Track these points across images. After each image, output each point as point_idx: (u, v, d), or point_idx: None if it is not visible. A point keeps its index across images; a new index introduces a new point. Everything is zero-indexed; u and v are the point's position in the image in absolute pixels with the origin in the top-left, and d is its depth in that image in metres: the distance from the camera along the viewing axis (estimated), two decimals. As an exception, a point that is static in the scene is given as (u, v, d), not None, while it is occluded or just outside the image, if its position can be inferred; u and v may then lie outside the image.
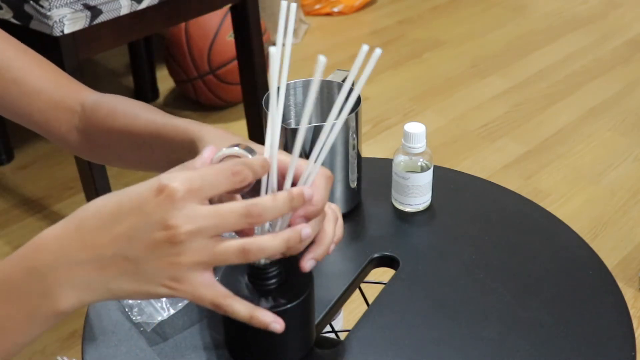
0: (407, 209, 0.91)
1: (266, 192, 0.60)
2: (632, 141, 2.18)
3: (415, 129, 0.86)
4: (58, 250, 0.54)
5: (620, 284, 1.52)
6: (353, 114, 0.85)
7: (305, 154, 0.85)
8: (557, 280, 0.79)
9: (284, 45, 0.59)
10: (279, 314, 0.64)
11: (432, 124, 2.26)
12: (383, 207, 0.92)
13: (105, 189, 1.65)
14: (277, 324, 0.59)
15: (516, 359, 0.70)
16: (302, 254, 0.63)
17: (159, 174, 0.55)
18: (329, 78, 0.91)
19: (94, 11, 1.49)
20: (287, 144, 0.85)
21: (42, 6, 1.43)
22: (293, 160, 0.59)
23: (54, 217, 1.90)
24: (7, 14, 1.51)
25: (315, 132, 0.83)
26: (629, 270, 1.69)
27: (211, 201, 0.56)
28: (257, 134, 1.98)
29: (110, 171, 1.76)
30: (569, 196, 1.95)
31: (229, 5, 1.83)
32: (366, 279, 0.84)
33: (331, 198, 0.88)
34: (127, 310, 0.76)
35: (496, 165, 2.08)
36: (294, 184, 0.60)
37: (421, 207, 0.90)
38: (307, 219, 0.61)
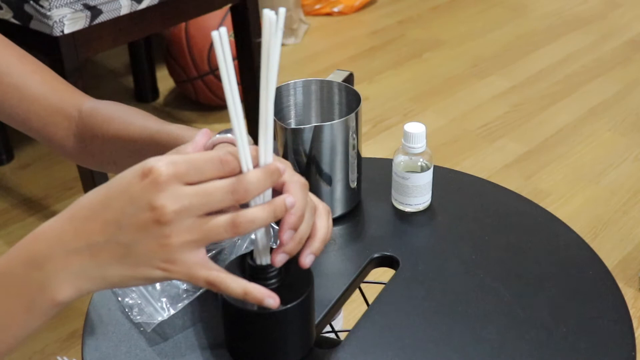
0: (407, 209, 0.91)
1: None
2: (632, 141, 2.18)
3: (415, 129, 0.86)
4: (53, 239, 0.55)
5: (620, 284, 1.52)
6: (353, 114, 0.85)
7: (305, 154, 0.85)
8: (557, 280, 0.79)
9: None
10: (279, 313, 0.64)
11: (432, 124, 2.26)
12: (383, 207, 0.92)
13: (105, 189, 1.64)
14: (271, 298, 0.59)
15: (516, 359, 0.70)
16: (300, 253, 0.63)
17: None
18: (329, 78, 0.91)
19: (94, 11, 1.49)
20: (287, 144, 0.85)
21: (42, 6, 1.43)
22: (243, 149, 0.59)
23: (54, 217, 1.90)
24: (7, 14, 1.51)
25: (315, 132, 0.83)
26: (629, 270, 1.69)
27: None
28: (257, 134, 1.98)
29: (110, 171, 1.76)
30: (569, 196, 1.95)
31: (229, 5, 1.83)
32: (366, 279, 0.84)
33: (331, 198, 0.88)
34: (127, 310, 0.76)
35: (496, 165, 2.08)
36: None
37: (421, 207, 0.90)
38: (294, 229, 0.61)
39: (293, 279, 0.66)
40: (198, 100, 2.34)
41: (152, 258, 0.54)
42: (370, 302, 0.79)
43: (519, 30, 2.93)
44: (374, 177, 0.96)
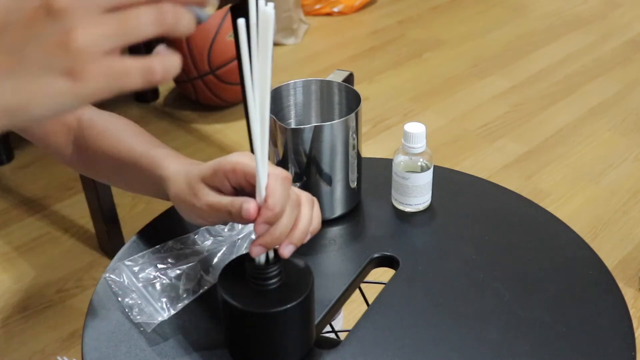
0: (407, 209, 0.91)
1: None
2: (632, 141, 2.18)
3: (415, 129, 0.86)
4: None
5: (620, 284, 1.52)
6: (353, 114, 0.85)
7: (305, 154, 0.85)
8: (557, 280, 0.79)
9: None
10: (279, 313, 0.64)
11: (432, 124, 2.25)
12: (383, 207, 0.92)
13: (105, 188, 1.65)
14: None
15: (516, 359, 0.70)
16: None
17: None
18: (329, 78, 0.91)
19: (94, 11, 1.49)
20: (287, 144, 0.85)
21: (42, 6, 1.43)
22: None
23: (54, 217, 1.90)
24: (7, 14, 1.51)
25: (315, 132, 0.83)
26: (629, 270, 1.69)
27: None
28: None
29: (110, 171, 1.76)
30: (569, 196, 1.95)
31: (229, 5, 1.83)
32: (366, 279, 0.84)
33: (331, 198, 0.88)
34: (127, 310, 0.76)
35: (496, 165, 2.08)
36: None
37: (421, 207, 0.90)
38: (269, 224, 0.61)
39: (293, 279, 0.66)
40: (198, 100, 2.34)
41: (51, 63, 0.42)
42: (370, 302, 0.79)
43: (519, 30, 2.93)
44: (374, 177, 0.96)
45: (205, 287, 0.78)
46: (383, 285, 0.79)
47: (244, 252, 0.77)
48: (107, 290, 0.78)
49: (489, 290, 0.78)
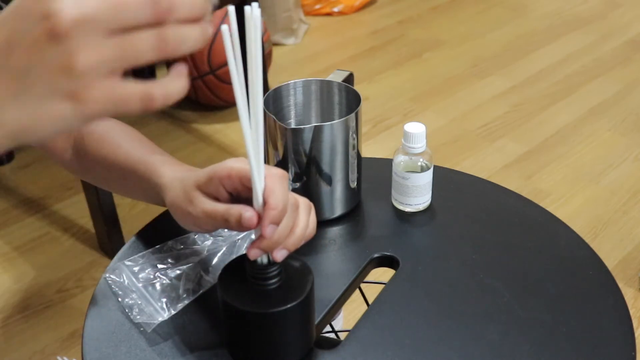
0: (407, 209, 0.91)
1: None
2: (632, 141, 2.18)
3: (415, 129, 0.86)
4: None
5: (620, 284, 1.52)
6: (353, 114, 0.85)
7: (305, 154, 0.85)
8: (557, 280, 0.79)
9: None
10: (279, 314, 0.64)
11: (432, 124, 2.25)
12: (383, 207, 0.92)
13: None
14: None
15: (516, 359, 0.70)
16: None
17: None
18: (329, 78, 0.91)
19: (94, 11, 1.49)
20: (286, 144, 0.85)
21: (42, 6, 1.43)
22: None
23: (54, 217, 1.90)
24: (7, 14, 1.51)
25: (315, 132, 0.83)
26: (629, 270, 1.69)
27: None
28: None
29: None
30: (569, 196, 1.95)
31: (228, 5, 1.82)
32: (366, 279, 0.84)
33: (331, 198, 0.88)
34: (127, 310, 0.76)
35: (496, 165, 2.08)
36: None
37: (421, 207, 0.90)
38: (276, 224, 0.62)
39: (293, 279, 0.66)
40: (198, 100, 2.34)
41: (54, 86, 0.42)
42: (370, 302, 0.79)
43: (519, 30, 2.93)
44: (374, 177, 0.96)
45: (205, 288, 0.78)
46: (383, 285, 0.79)
47: (243, 252, 0.77)
48: (107, 290, 0.78)
49: (489, 290, 0.78)
